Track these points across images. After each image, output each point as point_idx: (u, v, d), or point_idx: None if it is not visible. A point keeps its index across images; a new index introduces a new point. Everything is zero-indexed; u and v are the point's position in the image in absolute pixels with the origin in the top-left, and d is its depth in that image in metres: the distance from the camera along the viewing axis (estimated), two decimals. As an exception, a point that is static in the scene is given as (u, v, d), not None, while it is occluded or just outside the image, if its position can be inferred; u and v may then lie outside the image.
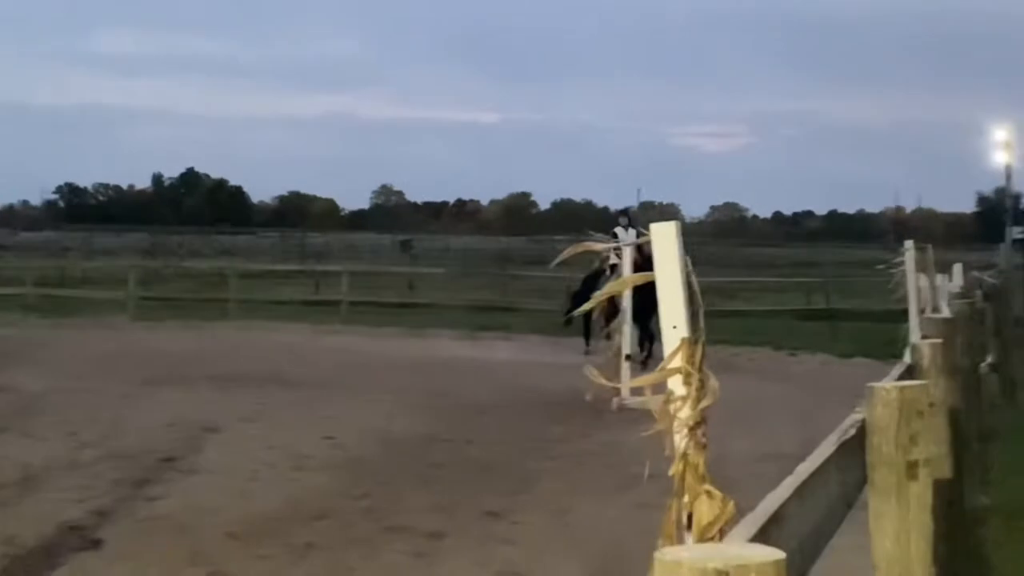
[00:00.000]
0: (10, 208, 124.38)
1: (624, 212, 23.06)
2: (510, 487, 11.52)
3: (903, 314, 19.50)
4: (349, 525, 9.99)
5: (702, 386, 4.12)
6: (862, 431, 3.31)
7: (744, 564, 1.51)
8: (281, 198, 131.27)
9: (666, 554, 1.58)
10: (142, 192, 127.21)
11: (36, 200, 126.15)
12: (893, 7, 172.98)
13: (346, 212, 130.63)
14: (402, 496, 11.10)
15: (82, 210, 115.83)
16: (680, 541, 3.67)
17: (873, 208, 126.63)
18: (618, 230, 21.14)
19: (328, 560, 8.96)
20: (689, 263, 4.44)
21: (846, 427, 3.29)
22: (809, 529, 2.43)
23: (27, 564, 8.66)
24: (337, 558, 9.00)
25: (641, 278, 5.79)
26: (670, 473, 4.20)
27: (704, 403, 4.05)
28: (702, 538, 3.74)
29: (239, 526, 9.85)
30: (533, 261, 54.28)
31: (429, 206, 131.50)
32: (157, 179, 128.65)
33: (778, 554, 1.56)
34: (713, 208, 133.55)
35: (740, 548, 1.65)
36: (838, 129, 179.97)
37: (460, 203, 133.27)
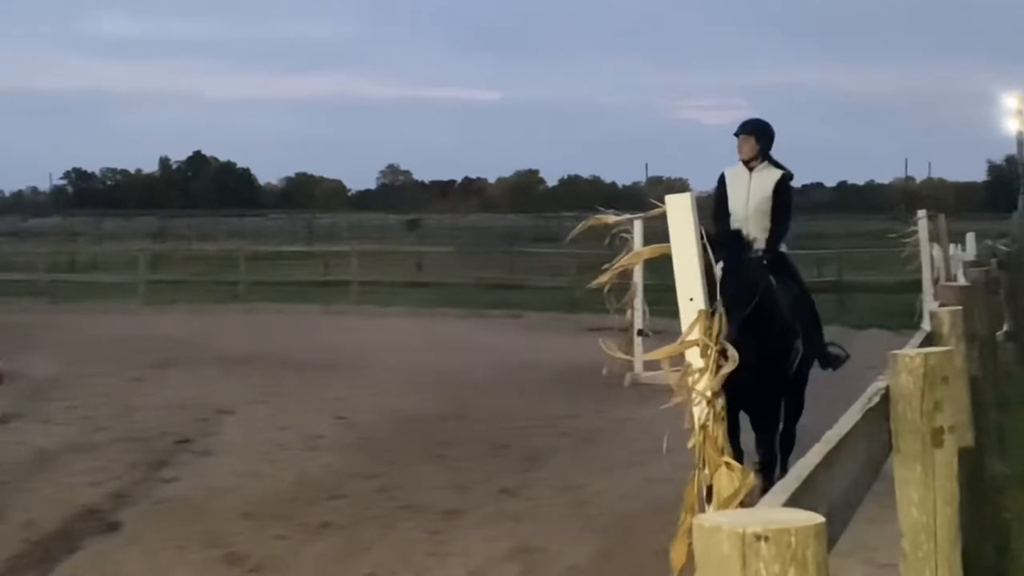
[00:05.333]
0: (19, 194, 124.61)
1: (751, 126, 10.02)
2: (522, 464, 11.51)
3: (914, 285, 19.47)
4: (363, 504, 9.98)
5: (719, 358, 4.09)
6: (886, 399, 3.28)
7: (784, 528, 1.47)
8: (288, 179, 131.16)
9: (705, 519, 1.54)
10: (149, 176, 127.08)
11: (44, 186, 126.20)
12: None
13: (353, 192, 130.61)
14: (415, 475, 11.09)
15: (90, 195, 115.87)
16: (701, 512, 3.61)
17: (883, 179, 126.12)
18: (729, 172, 10.02)
19: (343, 539, 8.95)
20: (704, 236, 4.39)
21: (870, 395, 3.27)
22: (839, 495, 2.40)
23: (46, 548, 8.66)
24: (352, 537, 8.99)
25: (654, 250, 5.71)
26: (689, 446, 4.17)
27: (724, 371, 4.01)
28: (722, 510, 3.69)
29: (254, 506, 9.85)
30: (541, 238, 54.25)
31: (436, 185, 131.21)
32: (164, 163, 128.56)
33: (817, 518, 1.52)
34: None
35: (778, 512, 1.62)
36: (846, 100, 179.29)
37: (467, 181, 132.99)
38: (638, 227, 15.69)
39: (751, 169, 9.85)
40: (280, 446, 12.42)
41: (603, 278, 5.51)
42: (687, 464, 4.28)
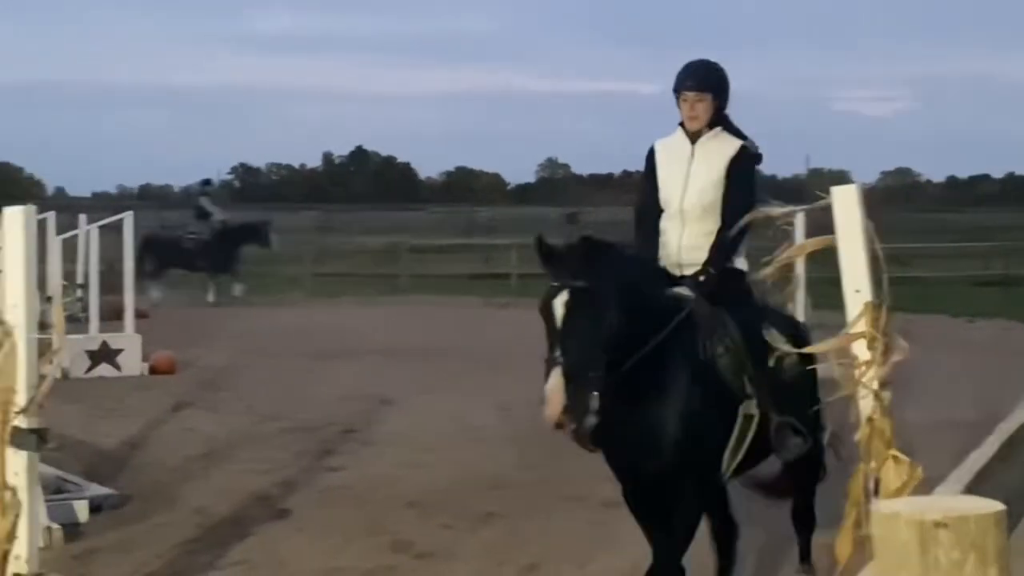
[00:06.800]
0: (188, 189, 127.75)
1: (704, 78, 6.55)
2: (685, 456, 11.47)
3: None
4: (526, 494, 10.06)
5: (887, 351, 4.05)
6: (1061, 392, 3.23)
7: (963, 515, 1.47)
8: (448, 173, 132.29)
9: (883, 507, 1.55)
10: (313, 170, 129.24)
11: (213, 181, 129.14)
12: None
13: (512, 186, 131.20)
14: (576, 466, 11.08)
15: (257, 189, 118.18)
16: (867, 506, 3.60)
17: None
18: (663, 146, 6.79)
19: (507, 529, 9.05)
20: (871, 228, 4.35)
21: (1044, 388, 3.23)
22: (1014, 487, 2.38)
23: (218, 533, 8.91)
24: (515, 527, 9.08)
25: (820, 242, 5.68)
26: (856, 438, 4.15)
27: (893, 359, 3.97)
28: (889, 504, 3.63)
29: (418, 495, 10.00)
30: (701, 231, 53.85)
31: (594, 178, 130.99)
32: (327, 157, 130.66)
33: (996, 505, 1.52)
34: (884, 174, 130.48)
35: (956, 500, 1.62)
36: (1013, 88, 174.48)
37: (626, 174, 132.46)
38: (800, 219, 15.50)
39: (695, 140, 6.49)
40: (443, 436, 12.56)
41: (767, 271, 5.47)
42: (851, 456, 4.25)
